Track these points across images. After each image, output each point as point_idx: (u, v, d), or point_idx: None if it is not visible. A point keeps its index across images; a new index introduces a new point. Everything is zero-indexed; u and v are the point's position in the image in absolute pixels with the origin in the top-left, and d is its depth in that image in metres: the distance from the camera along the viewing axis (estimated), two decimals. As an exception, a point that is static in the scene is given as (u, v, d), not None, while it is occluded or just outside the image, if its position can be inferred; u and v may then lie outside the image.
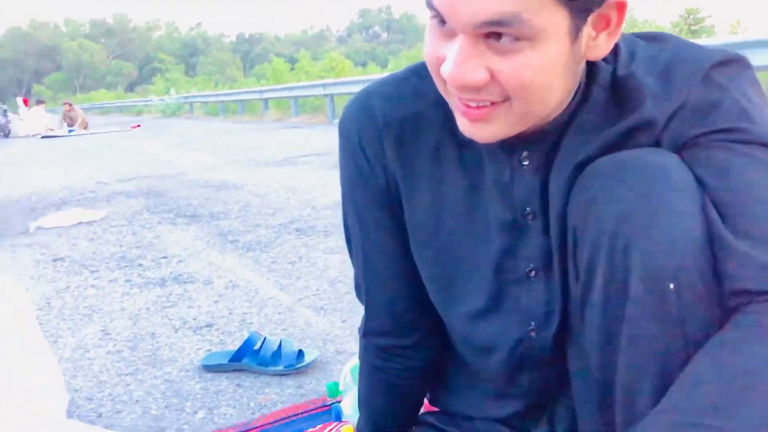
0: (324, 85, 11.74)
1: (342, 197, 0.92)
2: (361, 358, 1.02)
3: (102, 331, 2.22)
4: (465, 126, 0.72)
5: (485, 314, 0.84)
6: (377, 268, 0.91)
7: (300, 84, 13.26)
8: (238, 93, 17.71)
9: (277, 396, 1.63)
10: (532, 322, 0.83)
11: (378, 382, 0.99)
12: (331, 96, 11.75)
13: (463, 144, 0.80)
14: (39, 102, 18.35)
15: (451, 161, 0.82)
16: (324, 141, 7.95)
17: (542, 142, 0.76)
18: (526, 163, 0.77)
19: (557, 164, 0.76)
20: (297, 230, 3.43)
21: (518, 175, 0.79)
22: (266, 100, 15.51)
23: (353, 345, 1.85)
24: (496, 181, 0.80)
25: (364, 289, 0.94)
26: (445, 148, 0.82)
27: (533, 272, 0.81)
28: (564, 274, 0.78)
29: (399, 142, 0.83)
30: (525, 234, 0.80)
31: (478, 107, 0.69)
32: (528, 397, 0.88)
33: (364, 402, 1.04)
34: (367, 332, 0.98)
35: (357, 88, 10.15)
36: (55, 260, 3.24)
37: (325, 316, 2.15)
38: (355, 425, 1.32)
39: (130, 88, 53.02)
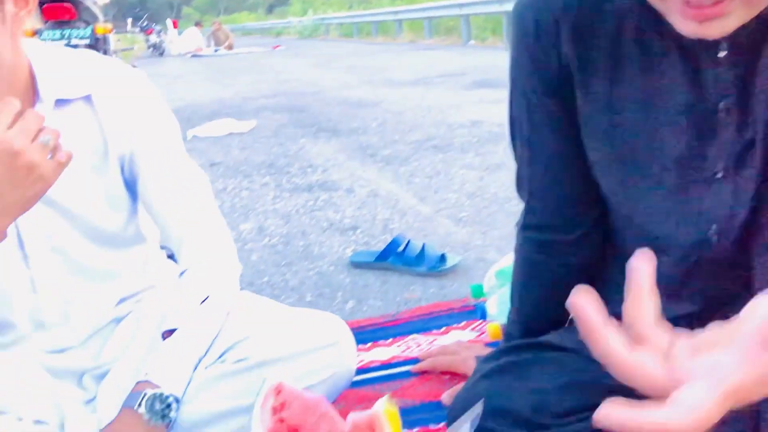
0: (460, 6, 11.43)
1: (510, 84, 0.92)
2: (518, 252, 1.05)
3: (258, 228, 2.41)
4: (691, 27, 0.69)
5: (662, 210, 0.83)
6: (542, 159, 0.92)
7: (435, 4, 12.99)
8: (373, 14, 17.69)
9: (421, 294, 1.73)
10: (714, 225, 0.80)
11: (533, 277, 1.02)
12: (467, 16, 11.44)
13: (646, 33, 0.79)
14: (197, 24, 19.76)
15: (631, 50, 0.80)
16: (458, 62, 7.83)
17: (742, 36, 0.73)
18: (722, 54, 0.75)
19: (765, 61, 0.72)
20: (434, 147, 3.47)
21: (713, 69, 0.76)
22: (400, 21, 15.39)
23: (494, 254, 1.89)
24: (687, 74, 0.77)
25: (526, 181, 0.96)
26: (625, 36, 0.80)
27: (721, 173, 0.78)
28: (760, 178, 0.75)
29: (576, 28, 0.82)
30: (715, 131, 0.77)
31: (714, 4, 0.66)
32: (699, 303, 0.87)
33: (516, 298, 1.08)
34: (526, 226, 1.00)
35: (495, 8, 9.80)
36: (211, 165, 3.51)
37: (464, 227, 2.20)
38: (502, 324, 1.38)
39: (270, 9, 54.35)
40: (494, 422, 0.88)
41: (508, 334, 1.08)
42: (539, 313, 1.04)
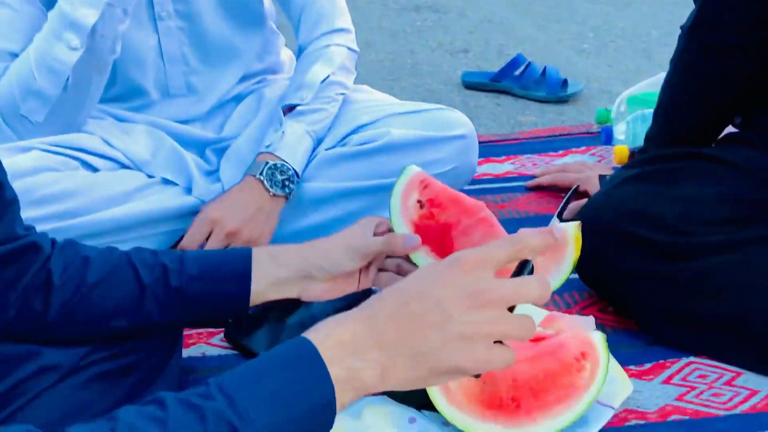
0: None
1: None
2: (678, 56, 0.94)
3: (364, 42, 2.32)
4: None
5: None
6: None
7: None
8: None
9: (537, 118, 1.63)
10: None
11: (692, 83, 0.92)
12: None
13: None
14: None
15: None
16: None
17: None
18: None
19: None
20: (554, -21, 3.18)
21: None
22: None
23: (619, 86, 1.75)
24: None
25: None
26: None
27: None
28: None
29: None
30: None
31: None
32: None
33: (664, 110, 0.98)
34: (695, 25, 0.89)
35: None
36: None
37: (587, 57, 2.04)
38: (631, 147, 1.28)
39: None
40: (634, 225, 0.83)
41: (646, 149, 1.00)
42: (690, 126, 0.95)
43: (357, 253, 0.68)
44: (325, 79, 1.05)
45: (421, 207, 0.70)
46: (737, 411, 0.75)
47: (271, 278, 0.67)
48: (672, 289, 0.81)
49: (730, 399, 0.77)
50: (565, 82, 1.70)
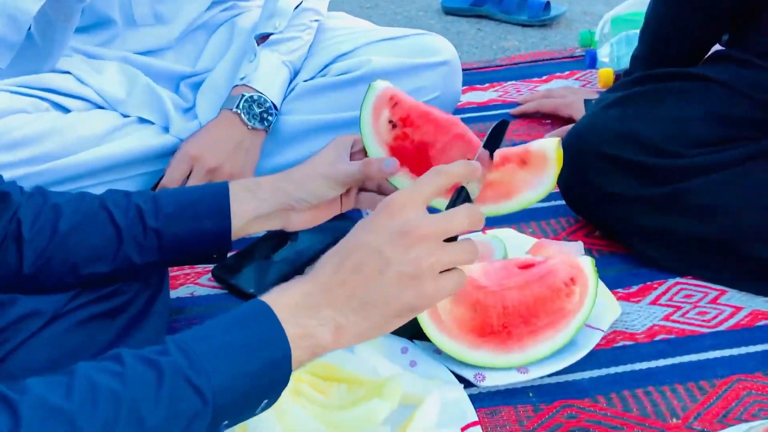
0: None
1: None
2: None
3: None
4: None
5: None
6: None
7: None
8: None
9: (520, 43, 1.60)
10: None
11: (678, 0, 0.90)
12: None
13: None
14: None
15: None
16: None
17: None
18: None
19: None
20: None
21: None
22: None
23: (602, 7, 1.71)
24: None
25: None
26: None
27: None
28: None
29: None
30: None
31: None
32: None
33: (651, 27, 0.96)
34: None
35: None
36: None
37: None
38: (616, 70, 1.26)
39: None
40: (620, 148, 0.82)
41: (632, 71, 0.98)
42: (678, 45, 0.93)
43: (336, 181, 0.66)
44: (298, 5, 1.01)
45: (394, 127, 0.68)
46: (722, 328, 0.76)
47: (251, 213, 0.65)
48: (659, 210, 0.81)
49: (715, 317, 0.78)
50: (547, 5, 1.66)
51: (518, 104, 1.27)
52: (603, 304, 0.75)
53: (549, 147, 0.65)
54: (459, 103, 1.29)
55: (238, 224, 0.65)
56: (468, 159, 0.59)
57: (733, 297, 0.80)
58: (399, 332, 0.74)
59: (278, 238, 0.91)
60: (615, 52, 1.30)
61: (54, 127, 0.91)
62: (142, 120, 0.99)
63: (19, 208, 0.62)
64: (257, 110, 0.95)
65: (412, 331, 0.73)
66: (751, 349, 0.73)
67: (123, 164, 0.95)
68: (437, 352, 0.73)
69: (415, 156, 0.67)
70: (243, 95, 0.95)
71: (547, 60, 1.46)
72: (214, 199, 0.65)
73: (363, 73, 0.97)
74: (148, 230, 0.63)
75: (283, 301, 0.48)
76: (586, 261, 0.74)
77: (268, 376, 0.46)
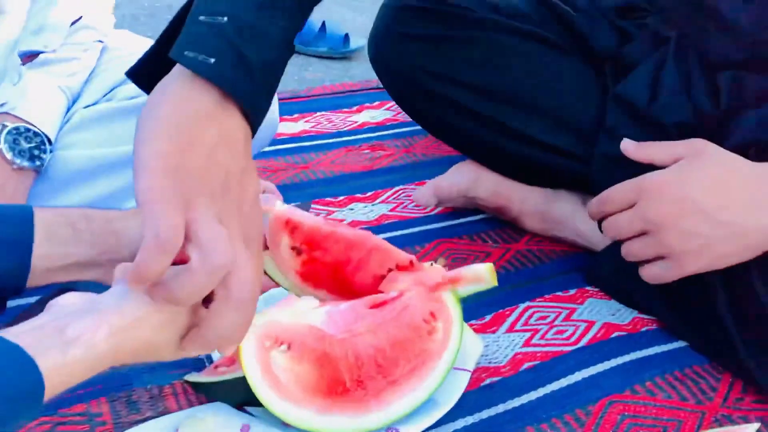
0: None
1: None
2: None
3: None
4: None
5: None
6: None
7: None
8: None
9: (324, 75, 1.53)
10: None
11: None
12: None
13: None
14: None
15: None
16: None
17: None
18: None
19: None
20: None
21: None
22: None
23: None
24: None
25: None
26: None
27: None
28: None
29: None
30: None
31: None
32: None
33: None
34: None
35: None
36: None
37: (362, 14, 1.98)
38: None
39: None
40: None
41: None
42: None
43: None
44: (75, 21, 0.83)
45: (299, 254, 0.63)
46: (582, 344, 0.73)
47: (67, 258, 0.49)
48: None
49: (572, 334, 0.75)
50: (346, 37, 1.62)
51: (333, 134, 1.20)
52: (464, 340, 0.67)
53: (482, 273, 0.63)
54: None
55: (42, 265, 0.48)
56: (390, 269, 0.63)
57: (584, 312, 0.78)
58: (229, 399, 0.59)
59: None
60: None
61: None
62: None
63: None
64: (25, 145, 0.75)
65: (241, 397, 0.59)
66: (613, 362, 0.71)
67: None
68: (285, 425, 0.59)
69: (330, 276, 0.64)
70: (5, 125, 0.74)
71: (357, 91, 1.41)
72: (9, 227, 0.48)
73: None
74: None
75: None
76: (447, 292, 0.65)
77: None
